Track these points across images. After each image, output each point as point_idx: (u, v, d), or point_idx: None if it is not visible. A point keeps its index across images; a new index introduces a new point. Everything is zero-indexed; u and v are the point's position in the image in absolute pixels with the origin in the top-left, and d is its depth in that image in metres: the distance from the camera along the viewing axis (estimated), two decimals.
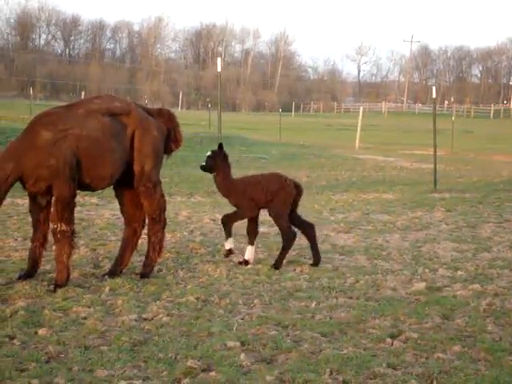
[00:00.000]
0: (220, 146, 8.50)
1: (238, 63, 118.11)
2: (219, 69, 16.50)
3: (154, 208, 7.67)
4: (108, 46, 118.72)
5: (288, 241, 8.48)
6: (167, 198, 14.77)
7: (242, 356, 5.25)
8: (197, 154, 25.45)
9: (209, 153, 8.51)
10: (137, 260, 8.26)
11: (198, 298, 6.87)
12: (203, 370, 4.97)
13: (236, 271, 8.08)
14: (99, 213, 11.92)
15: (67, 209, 7.04)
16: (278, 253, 9.13)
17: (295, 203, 8.71)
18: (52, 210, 7.10)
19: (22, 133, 7.11)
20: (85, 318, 6.07)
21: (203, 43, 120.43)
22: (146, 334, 5.72)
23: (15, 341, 5.42)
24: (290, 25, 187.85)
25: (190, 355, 5.22)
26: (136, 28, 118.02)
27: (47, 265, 7.84)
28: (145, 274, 7.63)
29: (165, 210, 7.81)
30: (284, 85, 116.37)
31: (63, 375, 4.77)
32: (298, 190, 8.69)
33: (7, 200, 10.90)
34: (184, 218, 12.10)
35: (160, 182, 7.81)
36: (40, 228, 7.34)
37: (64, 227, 7.01)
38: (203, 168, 8.53)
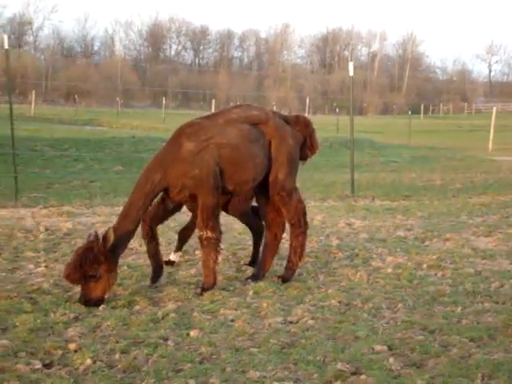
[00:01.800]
0: None
1: (364, 66, 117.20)
2: (351, 73, 16.50)
3: (292, 214, 7.76)
4: (236, 55, 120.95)
5: (260, 234, 8.45)
6: None
7: (391, 360, 5.25)
8: (327, 159, 25.51)
9: None
10: (277, 263, 8.40)
11: (340, 302, 6.91)
12: (353, 374, 5.01)
13: (376, 276, 8.06)
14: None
15: (212, 216, 7.23)
16: (417, 257, 9.06)
17: None
18: (198, 217, 7.32)
19: (167, 143, 7.36)
20: (233, 321, 6.23)
21: (329, 48, 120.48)
22: (292, 337, 5.81)
23: (169, 342, 5.63)
24: (417, 26, 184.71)
25: (338, 358, 5.27)
26: (263, 35, 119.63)
27: (192, 269, 8.09)
28: (286, 278, 7.74)
29: (304, 214, 7.88)
30: (412, 87, 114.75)
31: (217, 376, 4.92)
32: None
33: None
34: (319, 222, 12.15)
35: (296, 189, 7.87)
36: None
37: (210, 234, 7.20)
38: None
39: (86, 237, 6.89)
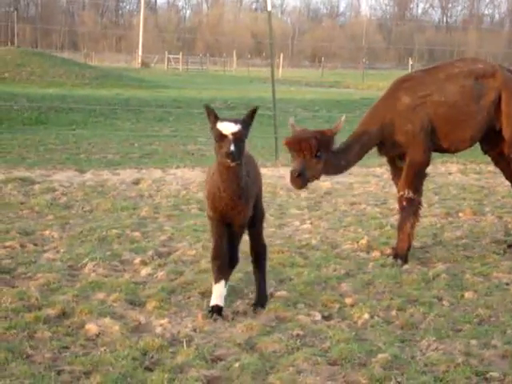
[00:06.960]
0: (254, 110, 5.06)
1: None
2: None
3: None
4: (486, 12, 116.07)
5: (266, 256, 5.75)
6: None
7: None
8: None
9: (238, 126, 4.86)
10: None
11: None
12: None
13: None
14: (498, 181, 11.72)
15: (417, 176, 6.90)
16: None
17: None
18: (402, 175, 6.92)
19: (384, 96, 7.08)
20: (507, 284, 6.13)
21: None
22: None
23: (444, 302, 5.65)
24: None
25: None
26: None
27: (457, 231, 7.97)
28: None
29: None
30: None
31: (499, 338, 4.88)
32: None
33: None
34: None
35: None
36: None
37: (411, 195, 6.82)
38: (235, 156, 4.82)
39: None
